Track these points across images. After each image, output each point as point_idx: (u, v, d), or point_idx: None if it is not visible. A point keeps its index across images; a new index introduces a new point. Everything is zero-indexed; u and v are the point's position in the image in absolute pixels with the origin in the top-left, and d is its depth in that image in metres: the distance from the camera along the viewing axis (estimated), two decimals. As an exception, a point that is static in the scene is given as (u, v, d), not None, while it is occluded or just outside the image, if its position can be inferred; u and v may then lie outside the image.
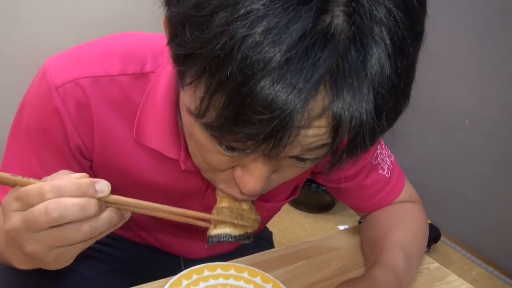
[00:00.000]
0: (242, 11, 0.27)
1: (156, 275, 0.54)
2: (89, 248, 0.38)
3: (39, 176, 0.51)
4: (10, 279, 0.55)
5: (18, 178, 0.35)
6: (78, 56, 0.50)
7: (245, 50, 0.27)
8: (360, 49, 0.28)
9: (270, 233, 0.88)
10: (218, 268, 0.54)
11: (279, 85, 0.27)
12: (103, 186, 0.35)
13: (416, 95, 1.24)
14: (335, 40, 0.27)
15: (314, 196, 1.45)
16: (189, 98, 0.34)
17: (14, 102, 1.69)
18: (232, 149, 0.35)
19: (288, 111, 0.27)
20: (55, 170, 0.51)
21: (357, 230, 0.73)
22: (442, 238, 1.32)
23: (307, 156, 0.34)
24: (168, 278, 0.53)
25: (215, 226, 0.43)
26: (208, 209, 0.59)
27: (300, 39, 0.27)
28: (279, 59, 0.27)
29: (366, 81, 0.28)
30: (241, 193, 0.40)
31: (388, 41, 0.29)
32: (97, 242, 0.38)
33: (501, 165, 1.25)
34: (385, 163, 0.64)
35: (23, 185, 0.34)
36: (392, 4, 0.28)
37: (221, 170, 0.39)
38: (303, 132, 0.29)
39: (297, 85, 0.27)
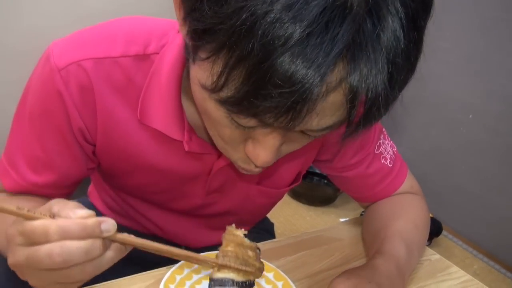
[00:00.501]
0: None
1: (159, 263, 0.55)
2: None
3: (41, 160, 0.51)
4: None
5: (24, 212, 0.34)
6: (80, 39, 0.50)
7: (266, 26, 0.27)
8: (376, 23, 0.29)
9: (272, 224, 0.89)
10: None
11: (299, 60, 0.28)
12: (109, 226, 0.36)
13: (420, 88, 1.25)
14: (353, 14, 0.28)
15: (316, 189, 1.45)
16: (204, 74, 0.34)
17: (16, 93, 1.70)
18: (240, 124, 0.35)
19: (308, 85, 0.28)
20: (57, 154, 0.51)
21: (359, 221, 0.73)
22: (444, 232, 1.32)
23: (321, 128, 0.35)
24: (170, 266, 0.53)
25: (218, 270, 0.43)
26: (211, 193, 0.60)
27: (320, 15, 0.27)
28: (299, 34, 0.27)
29: (382, 53, 0.29)
30: (255, 165, 0.41)
31: (402, 14, 0.30)
32: None
33: (504, 159, 1.24)
34: (388, 153, 0.65)
35: (28, 219, 0.34)
36: None
37: (234, 143, 0.40)
38: (320, 105, 0.30)
39: (316, 59, 0.28)
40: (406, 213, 0.63)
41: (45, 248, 0.32)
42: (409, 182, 0.68)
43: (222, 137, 0.41)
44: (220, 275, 0.44)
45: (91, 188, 0.79)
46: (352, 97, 0.30)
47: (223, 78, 0.31)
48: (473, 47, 1.33)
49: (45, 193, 0.55)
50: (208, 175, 0.57)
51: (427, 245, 0.74)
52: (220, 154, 0.54)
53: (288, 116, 0.30)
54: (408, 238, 0.58)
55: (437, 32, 1.41)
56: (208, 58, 0.32)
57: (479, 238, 1.30)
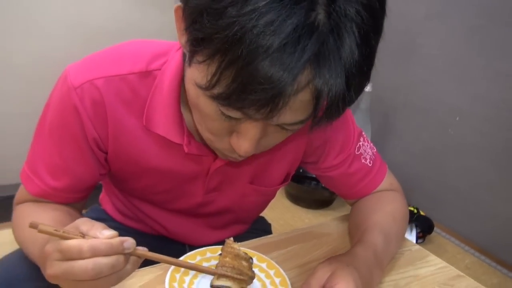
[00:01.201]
0: (250, 8, 0.35)
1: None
2: None
3: (60, 167, 0.59)
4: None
5: (60, 233, 0.41)
6: (92, 61, 0.58)
7: (252, 37, 0.35)
8: (337, 39, 0.37)
9: (269, 224, 0.96)
10: (218, 250, 0.62)
11: (277, 64, 0.35)
12: (129, 244, 0.43)
13: (411, 94, 1.36)
14: (319, 31, 0.36)
15: (313, 192, 1.52)
16: (199, 74, 0.42)
17: (27, 109, 1.83)
18: (230, 116, 0.43)
19: (283, 83, 0.36)
20: (74, 161, 0.59)
21: (346, 218, 0.80)
22: (437, 230, 1.38)
23: (294, 122, 0.43)
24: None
25: (217, 278, 0.52)
26: (210, 192, 0.67)
27: (293, 30, 0.35)
28: (277, 44, 0.35)
29: (340, 63, 0.37)
30: (239, 155, 0.48)
31: (357, 34, 0.37)
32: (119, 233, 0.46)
33: (490, 158, 1.31)
34: (367, 154, 0.72)
35: (64, 238, 0.41)
36: (360, 6, 0.37)
37: (221, 136, 0.48)
38: (292, 99, 0.38)
39: (290, 64, 0.35)
40: (385, 208, 0.70)
41: (80, 264, 0.39)
42: (388, 180, 0.75)
43: (210, 131, 0.48)
44: (219, 282, 0.52)
45: (102, 196, 0.86)
46: (317, 96, 0.38)
47: (216, 78, 0.38)
48: (458, 54, 1.40)
49: (63, 197, 0.63)
50: (206, 176, 0.64)
51: (421, 242, 0.81)
52: (216, 156, 0.62)
53: (268, 108, 0.38)
54: (386, 229, 0.65)
55: (424, 40, 1.49)
56: (204, 61, 0.40)
57: (470, 234, 1.36)
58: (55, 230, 0.41)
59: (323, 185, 1.59)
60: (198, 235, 0.76)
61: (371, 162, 0.72)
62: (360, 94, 0.43)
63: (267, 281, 0.59)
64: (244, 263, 0.54)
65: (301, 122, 0.43)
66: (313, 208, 1.52)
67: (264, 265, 0.62)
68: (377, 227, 0.65)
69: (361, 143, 0.71)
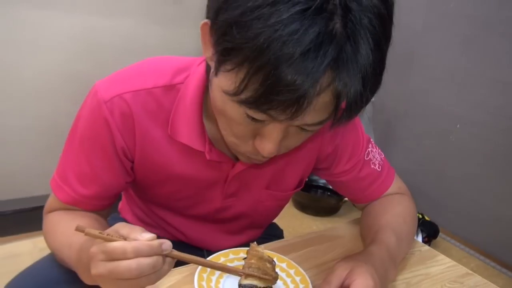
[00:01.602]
0: (274, 20, 0.39)
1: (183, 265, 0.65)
2: None
3: (89, 176, 0.62)
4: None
5: (104, 236, 0.44)
6: (120, 77, 0.62)
7: (278, 46, 0.39)
8: (353, 45, 0.41)
9: (281, 230, 0.99)
10: (240, 252, 0.65)
11: (301, 69, 0.39)
12: (167, 246, 0.46)
13: (411, 103, 1.43)
14: (337, 39, 0.40)
15: (320, 200, 1.55)
16: (227, 82, 0.45)
17: (36, 123, 1.90)
18: (256, 120, 0.47)
19: (306, 86, 0.40)
20: (102, 170, 0.63)
21: (357, 222, 0.84)
22: (442, 235, 1.41)
23: (314, 123, 0.47)
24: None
25: (245, 277, 0.55)
26: (228, 197, 0.71)
27: (315, 39, 0.39)
28: (300, 51, 0.39)
29: (357, 66, 0.41)
30: (263, 156, 0.52)
31: (370, 40, 0.42)
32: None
33: (491, 164, 1.35)
34: (376, 159, 0.76)
35: (108, 241, 0.44)
36: (372, 16, 0.42)
37: (245, 139, 0.51)
38: (315, 100, 0.42)
39: (312, 69, 0.39)
40: (395, 209, 0.74)
41: (124, 263, 0.42)
42: (396, 184, 0.79)
43: (235, 135, 0.52)
44: (247, 281, 0.55)
45: (121, 205, 0.90)
46: (337, 96, 0.43)
47: (244, 83, 0.42)
48: (455, 63, 1.45)
49: (91, 204, 0.66)
50: (225, 182, 0.68)
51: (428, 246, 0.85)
52: (234, 163, 0.66)
53: (293, 109, 0.42)
54: (397, 230, 0.69)
55: (422, 51, 1.55)
56: (233, 69, 0.43)
57: (474, 238, 1.39)
58: (100, 233, 0.45)
59: (329, 193, 1.63)
60: (216, 241, 0.79)
61: (380, 167, 0.76)
62: (375, 94, 0.47)
63: (288, 280, 0.62)
64: (268, 264, 0.57)
65: (321, 122, 0.47)
66: (320, 216, 1.55)
67: (284, 265, 0.65)
68: (389, 228, 0.68)
69: (370, 149, 0.75)
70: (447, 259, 0.76)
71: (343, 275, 0.56)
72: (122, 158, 0.64)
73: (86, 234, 0.45)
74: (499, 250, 1.31)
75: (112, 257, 0.43)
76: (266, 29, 0.39)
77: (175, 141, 0.62)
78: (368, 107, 1.60)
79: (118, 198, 0.71)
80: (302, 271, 0.63)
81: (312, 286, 0.60)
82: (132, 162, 0.66)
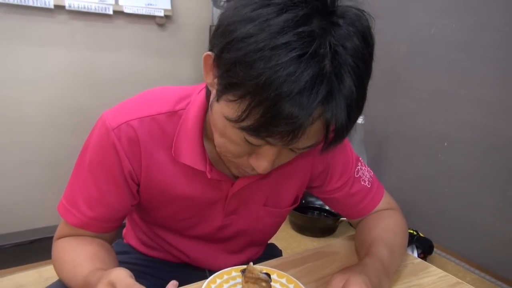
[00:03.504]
0: (274, 62, 0.44)
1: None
2: (133, 270, 0.53)
3: (97, 199, 0.67)
4: None
5: None
6: (125, 107, 0.68)
7: (278, 84, 0.44)
8: (340, 83, 0.47)
9: (280, 251, 1.03)
10: (232, 272, 0.68)
11: (297, 105, 0.45)
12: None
13: (401, 124, 1.51)
14: (327, 78, 0.46)
15: (317, 221, 1.59)
16: (229, 110, 0.51)
17: (37, 157, 1.97)
18: (250, 143, 0.52)
19: (302, 119, 0.46)
20: (109, 194, 0.68)
21: (352, 238, 0.88)
22: (437, 251, 1.44)
23: (305, 147, 0.53)
24: (201, 282, 0.67)
25: None
26: (228, 215, 0.75)
27: (310, 79, 0.45)
28: (297, 90, 0.44)
29: (343, 100, 0.47)
30: (256, 172, 0.58)
31: (354, 77, 0.48)
32: (139, 265, 0.53)
33: (479, 179, 1.40)
34: (365, 176, 0.81)
35: None
36: (356, 57, 0.48)
37: (241, 157, 0.57)
38: (308, 129, 0.48)
39: (307, 104, 0.45)
40: (386, 224, 0.78)
41: None
42: (386, 200, 0.84)
43: (232, 153, 0.57)
44: None
45: (125, 231, 0.93)
46: (327, 125, 0.49)
47: (246, 113, 0.48)
48: (440, 85, 1.53)
49: (99, 226, 0.70)
50: (225, 200, 0.73)
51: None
52: (233, 182, 0.71)
53: (289, 137, 0.48)
54: (389, 242, 0.73)
55: (408, 75, 1.63)
56: (235, 100, 0.49)
57: (468, 252, 1.42)
58: None
59: (325, 214, 1.67)
60: (217, 260, 0.83)
61: (370, 183, 0.81)
62: (356, 122, 0.53)
63: (288, 294, 0.66)
64: (264, 284, 0.61)
65: (311, 146, 0.54)
66: (318, 236, 1.58)
67: (283, 280, 0.69)
68: (381, 241, 0.73)
69: (359, 167, 0.81)
70: (439, 270, 0.80)
71: (340, 285, 0.60)
72: (129, 181, 0.68)
73: None
74: (493, 264, 1.35)
75: None
76: (267, 70, 0.45)
77: (178, 163, 0.67)
78: (359, 130, 1.66)
79: (123, 221, 0.75)
80: (301, 285, 0.67)
81: (311, 298, 0.64)
82: (138, 185, 0.70)
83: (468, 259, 1.41)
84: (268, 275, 0.61)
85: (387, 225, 0.78)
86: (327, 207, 1.70)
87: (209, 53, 0.55)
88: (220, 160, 0.65)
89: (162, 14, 2.28)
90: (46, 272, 0.72)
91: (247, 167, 0.59)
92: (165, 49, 2.39)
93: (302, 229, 1.59)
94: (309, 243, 1.55)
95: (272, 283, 0.63)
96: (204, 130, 0.67)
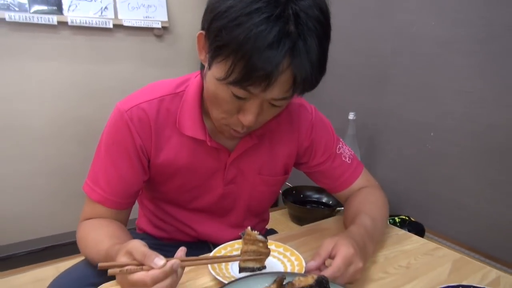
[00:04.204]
0: (249, 24, 0.57)
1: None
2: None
3: (114, 176, 0.77)
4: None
5: (125, 271, 0.55)
6: (135, 94, 0.80)
7: (252, 40, 0.57)
8: (304, 41, 0.60)
9: (278, 233, 1.11)
10: (235, 244, 0.78)
11: (268, 55, 0.57)
12: (176, 265, 0.59)
13: (390, 118, 1.66)
14: (291, 35, 0.59)
15: (315, 212, 1.67)
16: (218, 71, 0.64)
17: (44, 168, 2.12)
18: (240, 97, 0.64)
19: (273, 66, 0.58)
20: (125, 169, 0.79)
21: (342, 218, 0.97)
22: (428, 234, 1.52)
23: (281, 97, 0.65)
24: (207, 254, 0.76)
25: (243, 262, 0.68)
26: (228, 184, 0.86)
27: (277, 35, 0.57)
28: (267, 43, 0.57)
29: (306, 56, 0.60)
30: (243, 126, 0.69)
31: (315, 38, 0.61)
32: (151, 248, 0.60)
33: (464, 165, 1.49)
34: (346, 154, 0.92)
35: (128, 273, 0.55)
36: (315, 22, 0.61)
37: (231, 114, 0.69)
38: (280, 77, 0.60)
39: (276, 54, 0.58)
40: (368, 199, 0.88)
41: None
42: (365, 177, 0.94)
43: (224, 111, 0.69)
44: (245, 264, 0.68)
45: (138, 221, 1.03)
46: (294, 76, 0.61)
47: (231, 68, 0.60)
48: (423, 79, 1.62)
49: (116, 202, 0.80)
50: (224, 170, 0.84)
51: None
52: (230, 152, 0.82)
53: (265, 83, 0.60)
54: (371, 214, 0.82)
55: (393, 71, 1.73)
56: (223, 60, 0.62)
57: (457, 235, 1.51)
58: (120, 270, 0.56)
59: (322, 206, 1.75)
60: (221, 234, 0.93)
61: (350, 160, 0.93)
62: (321, 78, 0.67)
63: (285, 260, 0.75)
64: (261, 244, 0.70)
65: (285, 98, 0.65)
66: (316, 227, 1.67)
67: (281, 249, 0.78)
68: (364, 213, 0.82)
69: (340, 145, 0.93)
70: (420, 239, 0.89)
71: (330, 248, 0.69)
72: (141, 156, 0.79)
73: (110, 274, 0.56)
74: (481, 243, 1.43)
75: (135, 286, 0.56)
76: (244, 30, 0.58)
77: (182, 138, 0.79)
78: (351, 125, 1.75)
79: (135, 199, 0.85)
80: (295, 252, 0.76)
81: (305, 262, 0.73)
82: (148, 160, 0.81)
83: (458, 240, 1.49)
84: (265, 236, 0.70)
85: (369, 199, 0.87)
86: (323, 200, 1.79)
87: (201, 31, 0.68)
88: (217, 133, 0.77)
89: (159, 25, 2.39)
90: (62, 267, 0.80)
91: (237, 125, 0.70)
92: (163, 59, 2.50)
93: (301, 220, 1.68)
94: (308, 234, 1.63)
95: (270, 253, 0.72)
96: (202, 108, 0.80)
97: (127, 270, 0.56)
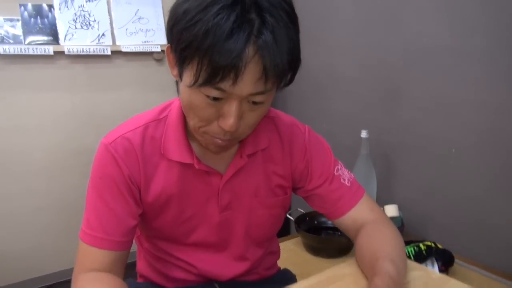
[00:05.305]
0: (206, 17, 0.56)
1: None
2: None
3: (105, 212, 0.73)
4: None
5: None
6: (118, 127, 0.77)
7: (212, 31, 0.56)
8: (269, 30, 0.57)
9: (294, 275, 1.00)
10: None
11: (230, 43, 0.55)
12: None
13: (404, 134, 1.50)
14: (251, 22, 0.56)
15: (331, 242, 1.55)
16: (188, 76, 0.61)
17: (46, 202, 1.99)
18: (216, 99, 0.61)
19: (237, 54, 0.56)
20: (115, 204, 0.71)
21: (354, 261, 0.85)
22: (458, 261, 1.39)
23: (255, 92, 0.61)
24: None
25: None
26: (224, 210, 0.79)
27: (235, 21, 0.55)
28: (228, 31, 0.55)
29: (274, 42, 0.57)
30: (225, 133, 0.66)
31: (281, 24, 0.58)
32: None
33: (492, 184, 1.37)
34: (346, 176, 0.84)
35: None
36: (277, 8, 0.58)
37: (211, 121, 0.65)
38: (247, 68, 0.57)
39: (238, 41, 0.55)
40: (382, 239, 0.77)
41: None
42: (367, 204, 0.85)
43: (203, 119, 0.65)
44: None
45: (138, 266, 0.95)
46: (264, 68, 0.58)
47: (198, 71, 0.58)
48: (439, 91, 1.52)
49: (111, 241, 0.72)
50: (218, 194, 0.76)
51: (445, 274, 0.85)
52: (222, 175, 0.77)
53: (233, 74, 0.56)
54: (391, 257, 0.72)
55: (407, 85, 1.63)
56: (189, 64, 0.60)
57: (491, 261, 1.38)
58: None
59: (339, 233, 1.63)
60: (224, 268, 0.85)
61: (349, 183, 0.83)
62: (295, 67, 0.63)
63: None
64: None
65: (263, 92, 0.61)
66: (334, 257, 1.54)
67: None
68: (383, 258, 0.71)
69: (338, 167, 0.84)
70: (460, 284, 0.77)
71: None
72: (131, 187, 0.73)
73: None
74: (518, 269, 1.30)
75: None
76: (203, 24, 0.56)
77: (170, 164, 0.74)
78: (364, 144, 1.64)
79: (132, 238, 0.76)
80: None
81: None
82: (139, 189, 0.73)
83: (491, 267, 1.36)
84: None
85: (383, 239, 0.77)
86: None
87: (168, 45, 0.66)
88: (206, 156, 0.75)
89: (159, 49, 2.34)
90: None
91: (219, 133, 0.66)
92: (165, 82, 2.44)
93: (316, 251, 1.56)
94: (325, 265, 1.51)
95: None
96: (187, 130, 0.73)
97: None
